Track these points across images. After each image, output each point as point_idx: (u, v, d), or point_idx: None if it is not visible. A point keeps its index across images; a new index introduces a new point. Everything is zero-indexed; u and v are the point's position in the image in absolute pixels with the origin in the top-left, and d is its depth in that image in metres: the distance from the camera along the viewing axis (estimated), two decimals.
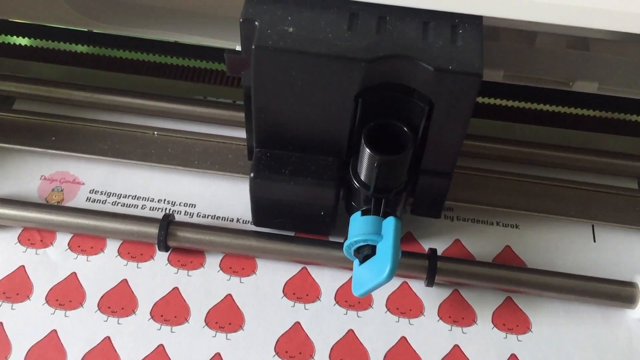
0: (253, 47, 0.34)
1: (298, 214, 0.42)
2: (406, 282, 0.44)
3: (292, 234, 0.45)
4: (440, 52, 0.34)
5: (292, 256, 0.44)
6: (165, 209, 0.47)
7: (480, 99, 0.53)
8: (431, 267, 0.43)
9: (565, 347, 0.42)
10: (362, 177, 0.39)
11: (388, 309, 0.43)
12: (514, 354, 0.41)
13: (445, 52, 0.34)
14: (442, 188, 0.41)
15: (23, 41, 0.55)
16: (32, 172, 0.48)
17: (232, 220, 0.46)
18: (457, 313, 0.43)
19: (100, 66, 0.54)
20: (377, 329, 0.42)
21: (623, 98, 0.46)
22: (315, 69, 0.35)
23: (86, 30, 0.52)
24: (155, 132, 0.49)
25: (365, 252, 0.38)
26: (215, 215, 0.47)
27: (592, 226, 0.47)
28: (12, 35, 0.54)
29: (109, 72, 0.53)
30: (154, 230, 0.43)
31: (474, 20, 0.36)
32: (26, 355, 0.40)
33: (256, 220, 0.44)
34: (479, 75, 0.34)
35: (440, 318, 0.43)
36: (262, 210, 0.43)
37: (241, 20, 0.35)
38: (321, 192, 0.40)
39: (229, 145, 0.48)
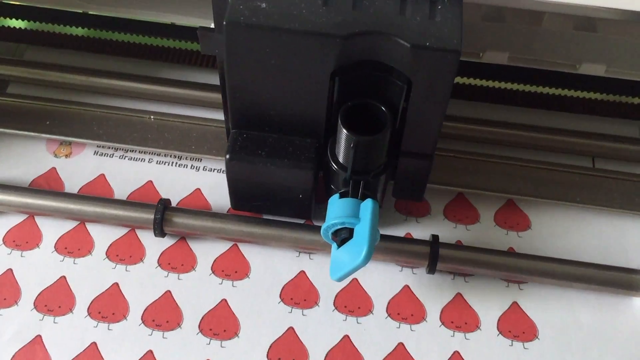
0: (224, 23, 0.33)
1: (276, 197, 0.41)
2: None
3: (289, 220, 0.44)
4: (417, 28, 0.33)
5: (289, 243, 0.43)
6: (173, 162, 0.47)
7: (485, 82, 0.51)
8: (433, 254, 0.42)
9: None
10: (340, 159, 0.38)
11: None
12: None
13: (422, 28, 0.33)
14: (423, 170, 0.40)
15: (17, 24, 0.54)
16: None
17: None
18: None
19: (95, 49, 0.53)
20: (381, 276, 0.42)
21: (630, 80, 0.45)
22: (289, 45, 0.34)
23: (81, 12, 0.51)
24: (152, 117, 0.48)
25: (343, 236, 0.37)
26: (221, 169, 0.47)
27: (599, 212, 0.46)
28: (6, 18, 0.53)
29: (104, 55, 0.52)
30: (149, 215, 0.43)
31: None
32: (36, 299, 0.40)
33: (234, 204, 0.43)
34: (457, 52, 0.33)
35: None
36: (239, 193, 0.42)
37: None
38: (298, 175, 0.39)
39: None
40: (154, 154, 0.48)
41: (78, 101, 0.49)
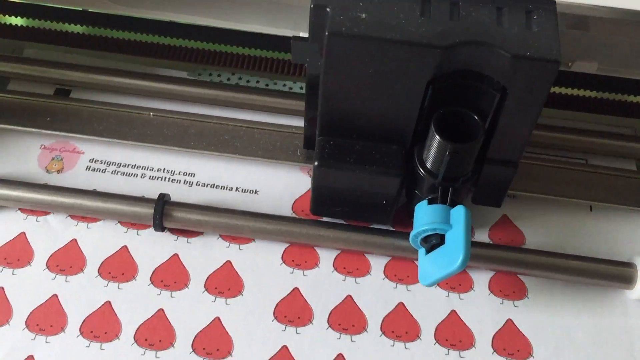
0: (326, 33, 0.34)
1: (358, 203, 0.41)
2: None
3: (289, 215, 0.44)
4: (517, 38, 0.34)
5: (287, 237, 0.44)
6: (165, 177, 0.47)
7: None
8: None
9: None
10: (429, 165, 0.38)
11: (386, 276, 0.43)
12: None
13: (522, 38, 0.34)
14: (507, 177, 0.41)
15: (18, 21, 0.53)
16: (29, 149, 0.47)
17: (231, 189, 0.46)
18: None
19: (95, 46, 0.52)
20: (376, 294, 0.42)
21: (622, 78, 0.46)
22: (389, 55, 0.34)
23: (81, 9, 0.51)
24: (151, 113, 0.48)
25: (433, 242, 0.37)
26: (214, 184, 0.46)
27: (590, 207, 0.47)
28: (6, 15, 0.54)
29: (104, 53, 0.52)
30: (149, 211, 0.43)
31: (548, 6, 0.35)
32: (27, 318, 0.40)
33: (315, 209, 0.43)
34: (557, 61, 0.33)
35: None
36: (322, 199, 0.42)
37: (312, 6, 0.34)
38: (386, 181, 0.39)
39: (225, 126, 0.48)
40: (147, 168, 0.47)
41: (79, 98, 0.49)
